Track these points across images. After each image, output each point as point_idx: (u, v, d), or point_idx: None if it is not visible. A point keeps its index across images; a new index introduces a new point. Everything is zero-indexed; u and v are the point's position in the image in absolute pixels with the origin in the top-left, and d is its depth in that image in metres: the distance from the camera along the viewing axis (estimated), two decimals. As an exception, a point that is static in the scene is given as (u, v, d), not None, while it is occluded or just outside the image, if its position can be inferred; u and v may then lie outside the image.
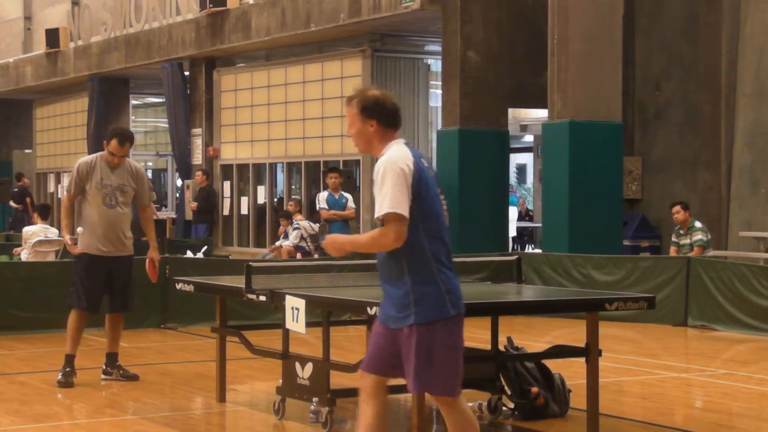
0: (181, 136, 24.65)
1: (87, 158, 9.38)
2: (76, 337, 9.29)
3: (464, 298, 5.38)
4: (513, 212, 24.12)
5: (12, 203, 28.91)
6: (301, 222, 18.65)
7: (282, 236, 19.06)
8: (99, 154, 9.38)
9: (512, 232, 23.85)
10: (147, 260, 9.64)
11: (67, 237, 9.38)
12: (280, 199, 23.09)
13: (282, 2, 20.91)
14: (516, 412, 7.96)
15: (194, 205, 22.56)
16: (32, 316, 12.54)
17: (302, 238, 18.48)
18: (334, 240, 5.39)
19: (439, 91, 19.35)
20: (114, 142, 9.20)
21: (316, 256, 17.44)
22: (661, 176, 18.79)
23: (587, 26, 15.63)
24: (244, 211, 23.84)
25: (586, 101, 15.65)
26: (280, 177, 23.46)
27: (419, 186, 5.29)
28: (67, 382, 9.13)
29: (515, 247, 24.92)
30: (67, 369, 9.22)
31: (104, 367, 9.50)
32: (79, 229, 9.27)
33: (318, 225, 18.83)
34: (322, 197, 16.80)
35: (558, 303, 8.04)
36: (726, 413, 8.52)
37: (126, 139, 9.29)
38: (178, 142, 24.78)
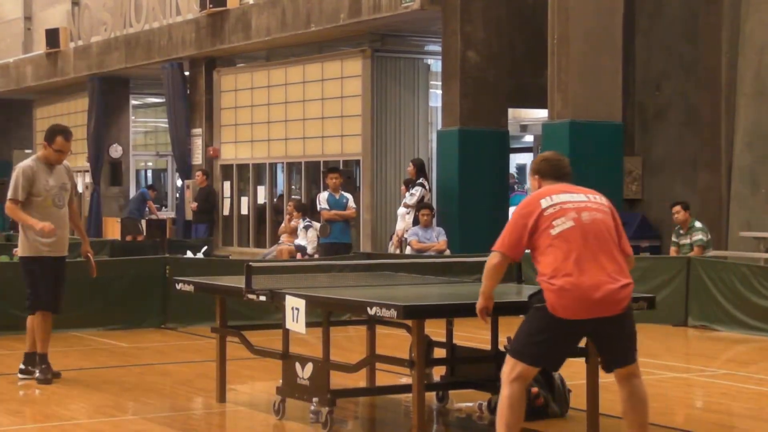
0: (181, 137, 24.66)
1: (28, 162, 9.21)
2: (48, 336, 9.26)
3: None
4: None
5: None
6: (315, 223, 18.63)
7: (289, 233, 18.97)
8: (35, 156, 9.26)
9: None
10: (83, 255, 9.47)
11: (39, 223, 9.00)
12: (281, 198, 23.08)
13: (282, 2, 20.91)
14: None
15: (194, 205, 22.56)
16: (32, 316, 12.51)
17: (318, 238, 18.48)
18: None
19: (439, 91, 19.35)
20: (60, 139, 9.08)
21: (316, 256, 17.45)
22: (661, 176, 18.78)
23: (587, 26, 15.64)
24: (244, 211, 23.84)
25: (586, 101, 15.65)
26: (280, 177, 23.46)
27: None
28: (46, 379, 9.12)
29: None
30: (43, 366, 9.19)
31: (25, 366, 9.39)
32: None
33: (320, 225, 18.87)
34: (322, 197, 16.80)
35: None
36: (726, 413, 8.52)
37: (71, 134, 9.20)
38: (178, 142, 24.78)
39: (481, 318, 6.35)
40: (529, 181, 6.45)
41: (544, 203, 6.06)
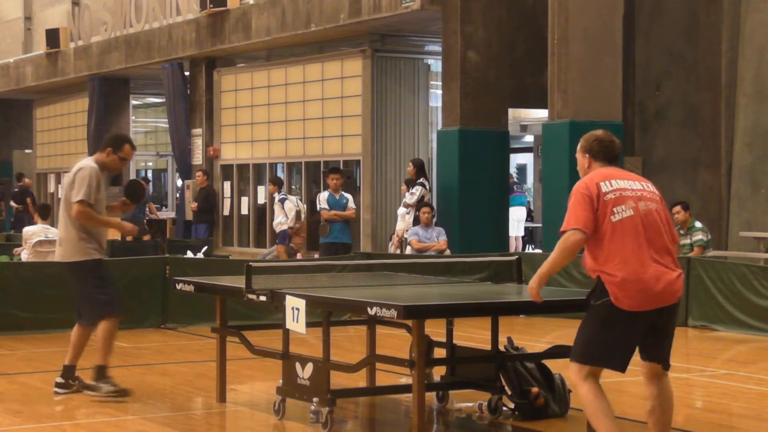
0: (181, 137, 24.65)
1: (92, 164, 8.66)
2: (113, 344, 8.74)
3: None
4: (522, 213, 23.81)
5: (12, 203, 28.91)
6: (290, 196, 18.75)
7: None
8: (93, 159, 8.77)
9: (520, 232, 23.48)
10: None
11: (127, 224, 8.86)
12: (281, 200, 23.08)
13: (282, 2, 20.91)
14: (516, 413, 7.96)
15: (194, 205, 22.55)
16: (32, 316, 12.52)
17: (296, 213, 18.55)
18: None
19: (439, 91, 19.35)
20: (128, 147, 8.75)
21: (297, 225, 17.44)
22: (661, 176, 18.78)
23: (587, 26, 15.63)
24: (244, 211, 23.84)
25: (586, 101, 15.64)
26: (281, 177, 23.46)
27: None
28: (122, 391, 8.59)
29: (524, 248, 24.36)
30: (109, 378, 8.61)
31: (63, 380, 8.72)
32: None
33: (302, 203, 19.00)
34: (322, 197, 16.82)
35: (558, 303, 8.03)
36: (726, 413, 8.53)
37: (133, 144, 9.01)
38: (178, 142, 24.78)
39: (534, 296, 6.20)
40: (578, 158, 6.35)
41: (604, 187, 6.00)
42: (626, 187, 6.03)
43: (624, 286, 5.85)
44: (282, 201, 18.88)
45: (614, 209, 5.94)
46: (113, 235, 25.32)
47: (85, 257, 8.61)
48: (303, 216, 19.35)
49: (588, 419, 6.06)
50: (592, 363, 5.97)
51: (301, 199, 20.24)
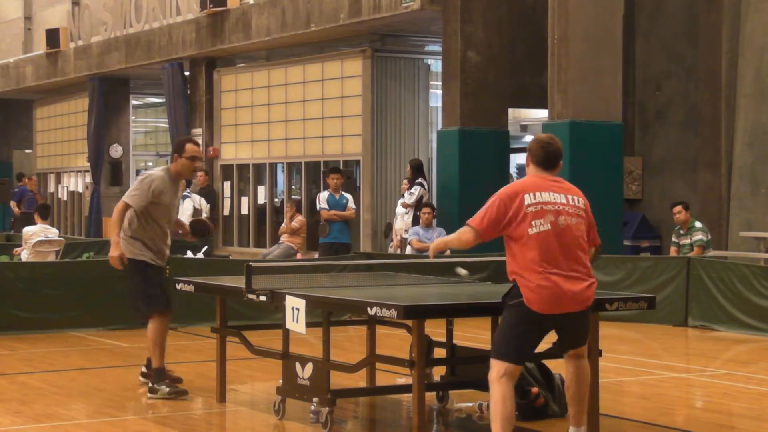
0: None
1: (160, 174, 9.21)
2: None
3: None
4: None
5: (12, 204, 28.90)
6: (193, 195, 18.64)
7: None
8: (167, 168, 9.28)
9: None
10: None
11: None
12: (281, 200, 23.09)
13: (282, 2, 20.91)
14: (516, 412, 7.95)
15: (194, 205, 22.54)
16: (32, 316, 12.52)
17: (195, 209, 18.40)
18: None
19: (440, 91, 19.35)
20: (190, 146, 9.41)
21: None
22: (661, 176, 18.79)
23: (587, 26, 15.63)
24: (244, 211, 23.83)
25: (586, 101, 15.64)
26: (281, 177, 23.45)
27: None
28: (180, 392, 8.63)
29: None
30: (167, 381, 8.68)
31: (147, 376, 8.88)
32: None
33: (207, 204, 18.95)
34: (322, 197, 16.82)
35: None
36: (726, 413, 8.53)
37: None
38: (178, 142, 24.76)
39: (431, 255, 6.80)
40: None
41: (527, 199, 6.43)
42: (549, 200, 6.45)
43: (537, 291, 6.28)
44: (183, 198, 18.77)
45: (533, 222, 6.36)
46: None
47: (131, 256, 8.92)
48: (204, 215, 19.19)
49: (492, 418, 6.39)
50: (505, 359, 6.36)
51: (206, 200, 20.05)
